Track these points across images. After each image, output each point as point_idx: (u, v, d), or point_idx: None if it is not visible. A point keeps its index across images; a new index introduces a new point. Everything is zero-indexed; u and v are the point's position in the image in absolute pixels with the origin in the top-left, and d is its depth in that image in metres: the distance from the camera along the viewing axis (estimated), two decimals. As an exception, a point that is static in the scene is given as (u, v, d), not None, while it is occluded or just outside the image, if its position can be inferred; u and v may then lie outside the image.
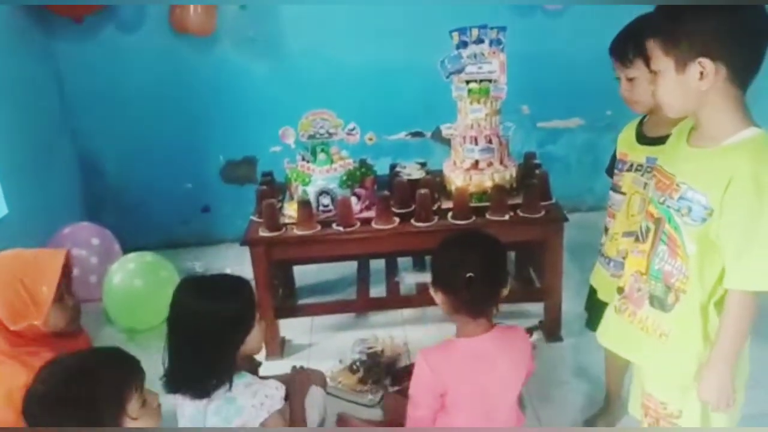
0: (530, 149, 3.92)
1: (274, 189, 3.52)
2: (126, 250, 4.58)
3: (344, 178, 3.33)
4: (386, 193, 3.22)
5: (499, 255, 2.27)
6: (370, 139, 3.50)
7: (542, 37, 4.40)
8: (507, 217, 3.14)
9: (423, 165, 3.61)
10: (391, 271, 3.64)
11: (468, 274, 2.12)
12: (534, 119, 4.66)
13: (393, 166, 3.61)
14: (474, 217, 3.16)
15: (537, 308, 3.42)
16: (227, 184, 4.71)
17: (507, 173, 3.29)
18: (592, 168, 4.78)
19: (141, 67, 4.40)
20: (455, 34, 3.23)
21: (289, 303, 3.75)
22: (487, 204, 3.22)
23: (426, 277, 3.72)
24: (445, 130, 3.36)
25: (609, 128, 4.69)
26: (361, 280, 3.63)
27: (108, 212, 4.67)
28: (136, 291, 3.57)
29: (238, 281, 2.29)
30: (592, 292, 2.61)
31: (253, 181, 4.66)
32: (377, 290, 3.63)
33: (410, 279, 3.58)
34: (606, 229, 2.50)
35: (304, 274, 4.04)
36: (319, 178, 3.32)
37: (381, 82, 4.49)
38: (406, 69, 4.46)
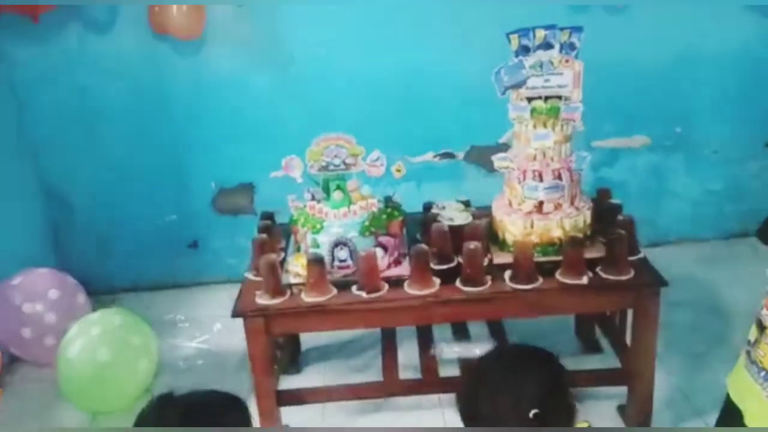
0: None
1: (275, 236, 2.74)
2: (97, 292, 3.85)
3: (366, 223, 2.55)
4: (423, 246, 2.43)
5: (566, 380, 1.54)
6: (398, 171, 2.72)
7: (600, 37, 3.56)
8: (585, 279, 2.36)
9: (466, 205, 2.82)
10: (426, 340, 2.85)
11: (532, 412, 1.40)
12: (588, 137, 3.86)
13: (427, 207, 2.82)
14: (540, 279, 2.38)
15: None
16: (219, 215, 3.93)
17: (580, 218, 2.51)
18: (656, 196, 4.00)
19: (114, 75, 3.65)
20: (514, 37, 2.46)
21: (293, 388, 2.96)
22: (556, 259, 2.44)
23: (472, 349, 2.97)
24: (499, 161, 2.58)
25: (677, 148, 3.93)
26: (387, 350, 2.84)
27: (75, 250, 3.92)
28: (99, 365, 2.78)
29: (230, 404, 1.56)
30: (730, 406, 1.82)
31: (250, 212, 3.90)
32: (408, 363, 2.84)
33: (450, 352, 2.79)
34: (760, 325, 1.72)
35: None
36: (334, 224, 2.54)
37: (404, 94, 3.73)
38: (434, 78, 3.70)
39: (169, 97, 3.69)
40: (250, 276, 2.61)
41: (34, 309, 3.13)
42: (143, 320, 3.06)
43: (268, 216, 2.88)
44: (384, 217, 2.65)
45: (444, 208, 2.75)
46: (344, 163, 2.65)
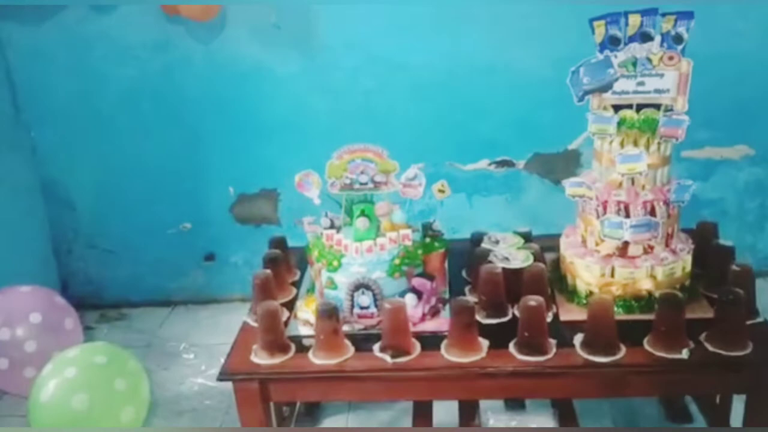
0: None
1: (287, 266, 2.22)
2: (101, 306, 3.42)
3: (396, 261, 2.00)
4: (467, 301, 1.86)
5: None
6: (441, 191, 2.15)
7: (698, 25, 2.94)
8: (685, 353, 1.75)
9: (527, 238, 2.22)
10: (468, 407, 2.27)
11: None
12: (677, 146, 3.20)
13: (477, 239, 2.24)
14: (622, 349, 1.78)
15: None
16: (239, 224, 3.43)
17: (678, 265, 1.91)
18: (758, 216, 3.32)
19: (119, 61, 3.17)
20: (599, 25, 1.85)
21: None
22: (643, 318, 1.84)
23: (527, 421, 2.40)
24: (572, 188, 1.99)
25: (787, 161, 3.22)
26: (420, 406, 2.29)
27: (77, 259, 3.49)
28: (74, 415, 2.32)
29: None
30: None
31: (274, 222, 3.39)
32: (445, 420, 2.28)
33: (499, 421, 2.22)
34: None
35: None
36: (356, 261, 2.00)
37: (455, 89, 3.15)
38: (491, 71, 3.10)
39: (182, 89, 3.20)
40: (249, 321, 2.09)
41: (13, 335, 2.68)
42: (133, 356, 2.57)
43: (279, 242, 2.34)
44: (420, 252, 2.08)
45: (498, 242, 2.16)
46: (372, 181, 2.10)
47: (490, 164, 3.26)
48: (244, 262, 3.48)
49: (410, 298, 1.97)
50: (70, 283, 3.52)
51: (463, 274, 2.24)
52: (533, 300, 1.80)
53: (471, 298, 2.04)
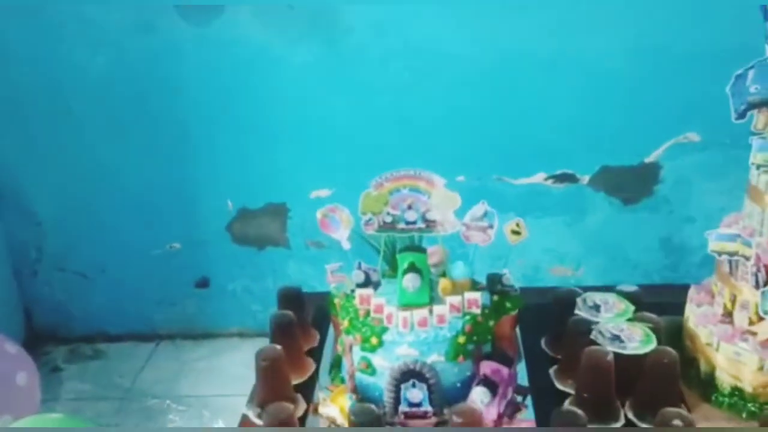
0: None
1: (298, 336, 1.62)
2: (72, 340, 2.86)
3: (461, 339, 1.41)
4: (575, 413, 1.27)
5: None
6: (516, 234, 1.55)
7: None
8: None
9: (636, 300, 1.60)
10: None
11: None
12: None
13: (563, 297, 1.63)
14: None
15: None
16: (238, 245, 2.83)
17: None
18: None
19: (98, 47, 2.58)
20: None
21: None
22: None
23: None
24: (717, 242, 1.38)
25: None
26: None
27: (44, 284, 2.89)
28: None
29: None
30: None
31: (281, 243, 2.80)
32: None
33: None
34: None
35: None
36: (404, 339, 1.41)
37: (505, 86, 2.57)
38: (550, 65, 2.51)
39: (173, 81, 2.61)
40: (250, 414, 1.50)
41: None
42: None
43: (291, 298, 1.73)
44: (491, 323, 1.49)
45: (598, 308, 1.55)
46: (424, 219, 1.50)
47: (546, 179, 2.66)
48: (243, 290, 2.90)
49: (482, 394, 1.38)
50: (34, 311, 2.95)
51: (543, 345, 1.65)
52: (674, 415, 1.20)
53: (561, 386, 1.46)
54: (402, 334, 1.41)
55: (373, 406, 1.30)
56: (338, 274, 1.63)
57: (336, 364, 1.60)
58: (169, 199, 2.77)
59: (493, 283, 1.61)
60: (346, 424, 1.40)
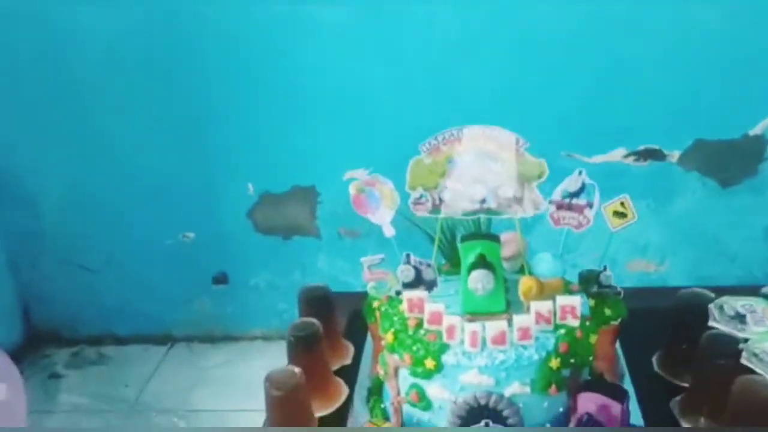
0: None
1: (323, 350, 1.21)
2: (74, 341, 2.54)
3: (554, 363, 0.99)
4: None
5: None
6: (620, 215, 1.14)
7: None
8: None
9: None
10: None
11: None
12: None
13: (689, 302, 1.20)
14: None
15: None
16: (261, 234, 2.45)
17: None
18: None
19: (101, 12, 2.20)
20: None
21: None
22: None
23: None
24: None
25: None
26: None
27: (42, 278, 2.57)
28: None
29: None
30: None
31: (310, 232, 2.42)
32: None
33: None
34: None
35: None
36: (474, 362, 1.01)
37: (577, 47, 2.14)
38: (630, 20, 2.07)
39: (187, 48, 2.23)
40: (260, 461, 1.11)
41: None
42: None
43: (316, 297, 1.33)
44: (592, 338, 1.07)
45: (743, 318, 1.12)
46: (497, 197, 1.10)
47: (627, 155, 2.22)
48: (267, 286, 2.52)
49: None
50: (33, 309, 2.61)
51: (656, 367, 1.22)
52: None
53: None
54: (469, 356, 1.01)
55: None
56: (378, 269, 1.23)
57: (376, 390, 1.19)
58: (183, 183, 2.39)
59: (588, 283, 1.19)
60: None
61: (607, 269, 1.20)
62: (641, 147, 2.20)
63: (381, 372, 1.13)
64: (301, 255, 2.45)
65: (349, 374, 1.29)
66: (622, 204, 1.16)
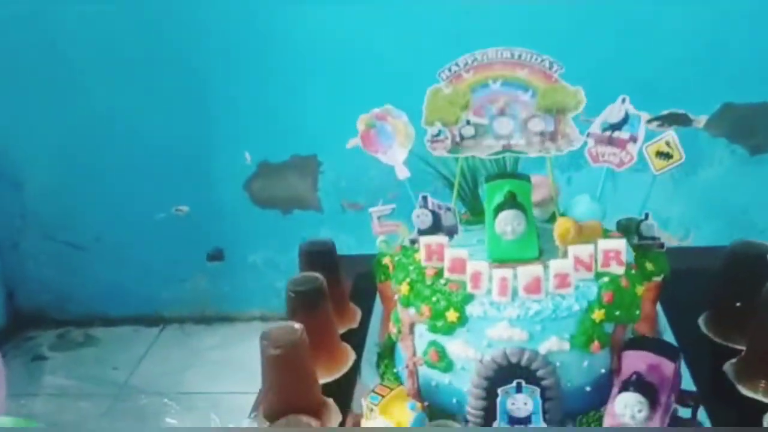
0: None
1: (326, 310, 1.07)
2: (63, 322, 2.40)
3: (597, 314, 0.85)
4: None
5: None
6: (665, 156, 1.01)
7: None
8: None
9: None
10: None
11: None
12: None
13: (750, 258, 1.05)
14: None
15: None
16: (259, 207, 2.31)
17: None
18: None
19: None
20: None
21: None
22: None
23: None
24: None
25: None
26: None
27: (27, 257, 2.45)
28: None
29: None
30: None
31: (312, 206, 2.28)
32: None
33: None
34: None
35: None
36: (503, 314, 0.86)
37: (604, 9, 1.98)
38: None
39: (179, 11, 2.11)
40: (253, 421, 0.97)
41: None
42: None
43: (319, 252, 1.20)
44: (639, 289, 0.93)
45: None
46: (527, 132, 0.95)
47: (650, 120, 2.07)
48: (265, 263, 2.38)
49: (633, 403, 0.82)
50: (18, 289, 2.48)
51: (704, 328, 1.08)
52: None
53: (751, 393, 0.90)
54: (498, 306, 0.86)
55: (456, 426, 0.74)
56: (389, 221, 1.09)
57: (387, 354, 1.05)
58: (175, 153, 2.26)
59: (627, 234, 1.05)
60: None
61: (649, 217, 1.06)
62: (665, 111, 2.06)
63: (394, 331, 0.99)
64: (302, 229, 2.29)
65: (357, 339, 1.15)
66: (667, 143, 1.02)
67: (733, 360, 0.99)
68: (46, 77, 2.21)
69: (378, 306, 1.21)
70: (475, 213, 1.07)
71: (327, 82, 2.11)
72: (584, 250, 0.89)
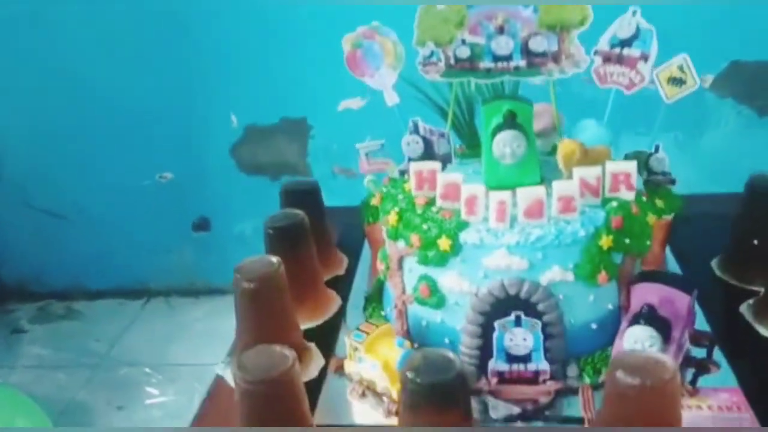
0: None
1: (309, 249, 0.99)
2: (42, 296, 2.32)
3: (604, 240, 0.77)
4: None
5: None
6: (678, 81, 0.93)
7: None
8: None
9: None
10: None
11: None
12: None
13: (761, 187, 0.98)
14: None
15: None
16: (246, 174, 2.21)
17: None
18: None
19: None
20: None
21: None
22: None
23: None
24: None
25: None
26: None
27: (4, 226, 2.34)
28: None
29: None
30: None
31: (300, 171, 2.20)
32: None
33: None
34: None
35: None
36: (501, 240, 0.77)
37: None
38: None
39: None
40: (225, 376, 0.89)
41: None
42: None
43: (303, 192, 1.12)
44: (650, 217, 0.84)
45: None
46: (526, 50, 0.87)
47: (652, 80, 1.98)
48: (253, 232, 2.26)
49: (645, 337, 0.74)
50: (-5, 261, 2.37)
51: (717, 270, 1.01)
52: None
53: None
54: (495, 233, 0.78)
55: (450, 354, 0.66)
56: (377, 159, 1.01)
57: (375, 297, 0.97)
58: (159, 117, 2.16)
59: (637, 167, 0.96)
60: (393, 391, 0.77)
61: (659, 150, 0.98)
62: (662, 66, 1.97)
63: (381, 268, 0.90)
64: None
65: (343, 286, 1.06)
66: (680, 67, 0.94)
67: (751, 300, 0.91)
68: (25, 41, 2.10)
69: (367, 254, 1.13)
70: (471, 146, 0.99)
71: (316, 41, 2.01)
72: (591, 173, 0.80)
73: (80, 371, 1.97)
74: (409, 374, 0.63)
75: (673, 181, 0.98)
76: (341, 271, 1.10)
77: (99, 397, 1.87)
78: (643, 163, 0.97)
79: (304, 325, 0.95)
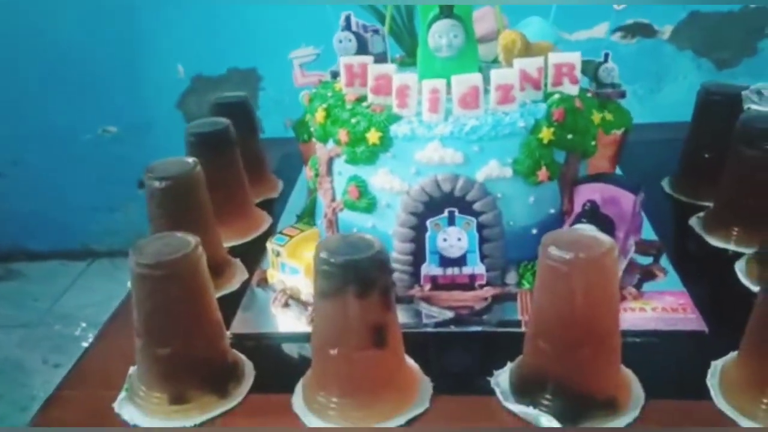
0: None
1: (233, 155, 0.92)
2: None
3: (545, 132, 0.71)
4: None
5: None
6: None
7: None
8: None
9: None
10: None
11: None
12: None
13: (718, 94, 0.93)
14: None
15: None
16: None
17: None
18: None
19: None
20: None
21: None
22: None
23: None
24: None
25: None
26: None
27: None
28: None
29: None
30: None
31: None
32: None
33: None
34: None
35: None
36: (434, 132, 0.71)
37: None
38: None
39: None
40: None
41: None
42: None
43: (231, 105, 1.05)
44: (596, 116, 0.79)
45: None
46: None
47: (613, 32, 1.94)
48: (203, 191, 2.18)
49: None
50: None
51: (668, 188, 0.96)
52: None
53: (719, 242, 0.78)
54: (428, 125, 0.71)
55: (369, 236, 0.60)
56: (313, 71, 0.95)
57: (308, 213, 0.90)
58: (100, 66, 2.05)
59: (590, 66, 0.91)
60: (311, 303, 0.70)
61: (608, 59, 0.92)
62: (629, 21, 1.93)
63: (311, 174, 0.84)
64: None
65: (276, 208, 1.00)
66: None
67: (701, 213, 0.87)
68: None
69: (301, 181, 1.07)
70: (411, 54, 0.92)
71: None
72: (532, 64, 0.74)
73: (16, 330, 1.87)
74: (324, 254, 0.56)
75: (623, 94, 0.93)
76: (275, 194, 1.03)
77: (35, 355, 1.77)
78: (592, 73, 0.92)
79: (230, 243, 0.88)
